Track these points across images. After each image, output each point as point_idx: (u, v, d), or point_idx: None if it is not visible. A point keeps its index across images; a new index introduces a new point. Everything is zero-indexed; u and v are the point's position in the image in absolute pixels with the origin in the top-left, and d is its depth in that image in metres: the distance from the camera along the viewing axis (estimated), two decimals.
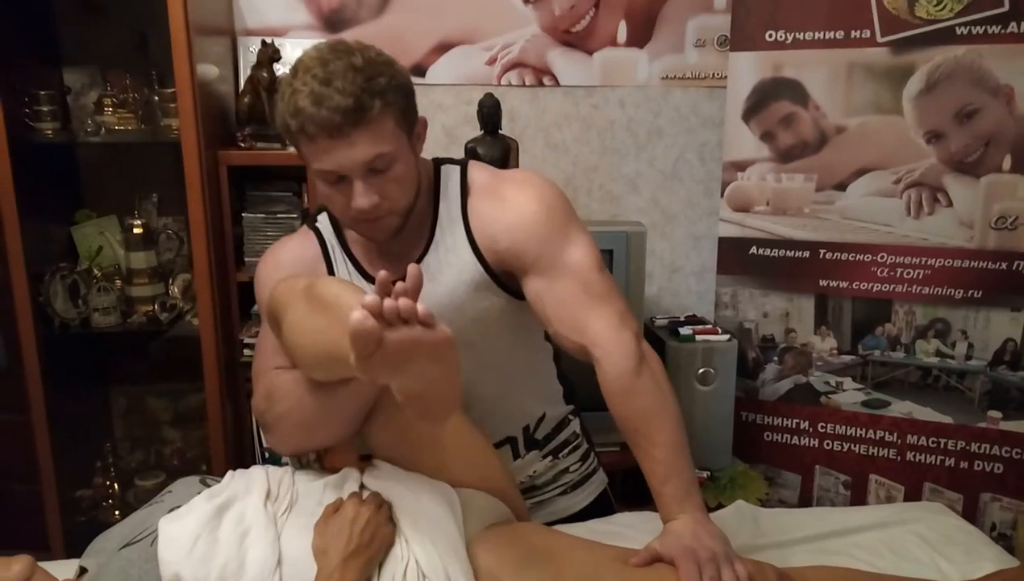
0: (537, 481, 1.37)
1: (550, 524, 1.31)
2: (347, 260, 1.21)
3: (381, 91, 1.01)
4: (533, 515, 1.34)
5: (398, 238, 1.14)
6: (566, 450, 1.38)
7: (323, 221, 1.24)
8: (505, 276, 1.18)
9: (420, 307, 0.81)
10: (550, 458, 1.36)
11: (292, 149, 1.09)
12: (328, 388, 1.03)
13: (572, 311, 1.12)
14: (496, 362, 1.26)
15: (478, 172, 1.20)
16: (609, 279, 1.16)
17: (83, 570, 1.02)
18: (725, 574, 0.99)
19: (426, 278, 1.11)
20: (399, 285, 0.82)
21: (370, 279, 1.18)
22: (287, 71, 1.05)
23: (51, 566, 0.98)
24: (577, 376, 1.38)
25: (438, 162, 1.22)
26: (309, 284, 1.01)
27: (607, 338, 1.11)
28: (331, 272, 1.20)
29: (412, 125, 1.09)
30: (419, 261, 1.17)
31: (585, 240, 1.16)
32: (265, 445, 1.12)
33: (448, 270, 1.17)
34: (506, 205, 1.15)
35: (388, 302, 0.80)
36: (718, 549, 1.01)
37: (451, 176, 1.19)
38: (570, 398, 1.41)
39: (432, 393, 0.88)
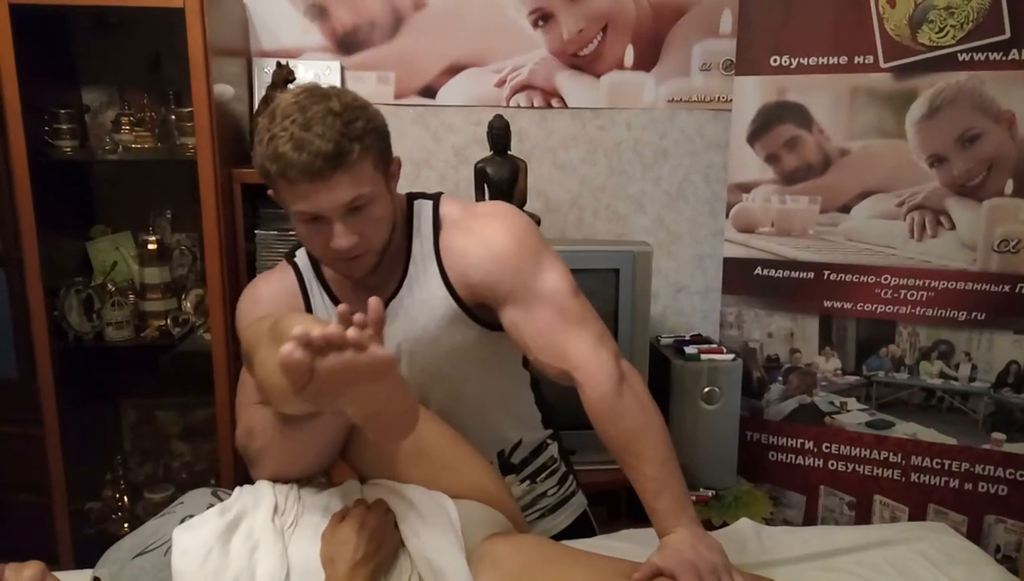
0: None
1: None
2: (324, 294, 1.23)
3: (359, 135, 1.03)
4: None
5: (374, 273, 1.17)
6: (543, 474, 1.40)
7: (301, 256, 1.26)
8: (478, 308, 1.20)
9: (351, 332, 0.82)
10: (528, 482, 1.38)
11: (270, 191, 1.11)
12: (298, 422, 1.04)
13: (550, 338, 1.14)
14: (470, 391, 1.28)
15: (449, 206, 1.22)
16: (584, 302, 1.18)
17: (96, 580, 1.04)
18: None
19: (400, 312, 1.16)
20: (358, 316, 0.83)
21: None
22: (263, 118, 1.07)
23: (64, 576, 1.01)
24: (558, 398, 1.39)
25: (411, 197, 1.24)
26: (274, 322, 1.03)
27: (587, 361, 1.12)
28: (308, 306, 1.23)
29: (388, 165, 1.12)
30: (394, 295, 1.19)
31: (558, 266, 1.18)
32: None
33: (421, 305, 1.20)
34: (477, 239, 1.17)
35: (316, 331, 0.81)
36: (717, 561, 1.03)
37: (423, 211, 1.22)
38: (548, 423, 1.42)
39: (384, 412, 0.90)
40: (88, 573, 1.13)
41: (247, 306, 1.24)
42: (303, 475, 1.13)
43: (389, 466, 1.12)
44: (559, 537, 1.39)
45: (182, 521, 1.02)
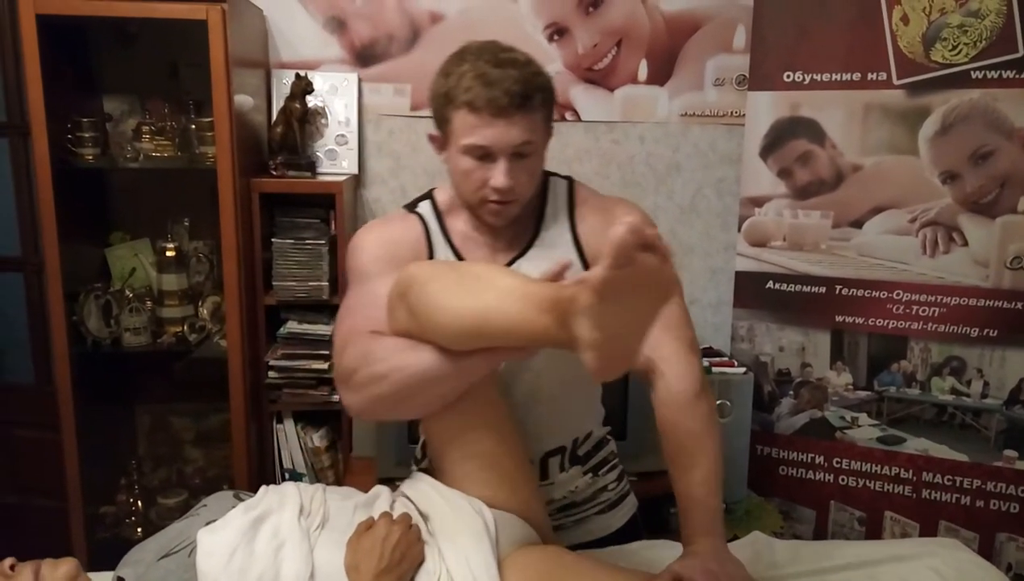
0: (577, 498, 1.40)
1: (587, 544, 1.36)
2: (448, 248, 1.26)
3: (541, 88, 1.13)
4: (572, 533, 1.39)
5: (503, 232, 1.23)
6: (605, 468, 1.43)
7: (425, 208, 1.29)
8: None
9: (664, 244, 0.85)
10: (590, 475, 1.40)
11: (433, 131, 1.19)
12: (451, 356, 1.04)
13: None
14: (569, 367, 1.30)
15: (584, 189, 1.32)
16: (687, 311, 1.25)
17: (120, 580, 1.06)
18: None
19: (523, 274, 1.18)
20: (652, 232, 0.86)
21: None
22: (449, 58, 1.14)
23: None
24: None
25: (545, 173, 1.30)
26: (452, 263, 1.14)
27: (678, 360, 1.18)
28: (431, 256, 1.25)
29: (550, 128, 1.20)
30: (520, 256, 1.25)
31: None
32: (343, 401, 1.12)
33: (544, 267, 1.22)
34: (613, 221, 1.21)
35: (648, 230, 0.84)
36: (738, 574, 1.04)
37: (558, 187, 1.30)
38: (606, 421, 1.47)
39: (622, 338, 0.90)
40: (107, 575, 1.15)
41: (374, 242, 1.24)
42: (405, 413, 1.15)
43: (452, 447, 1.14)
44: (613, 536, 1.43)
45: (207, 524, 1.04)
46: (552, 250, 1.25)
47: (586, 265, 1.24)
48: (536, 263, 1.22)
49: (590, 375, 0.89)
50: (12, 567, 1.05)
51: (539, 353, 1.07)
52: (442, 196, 1.29)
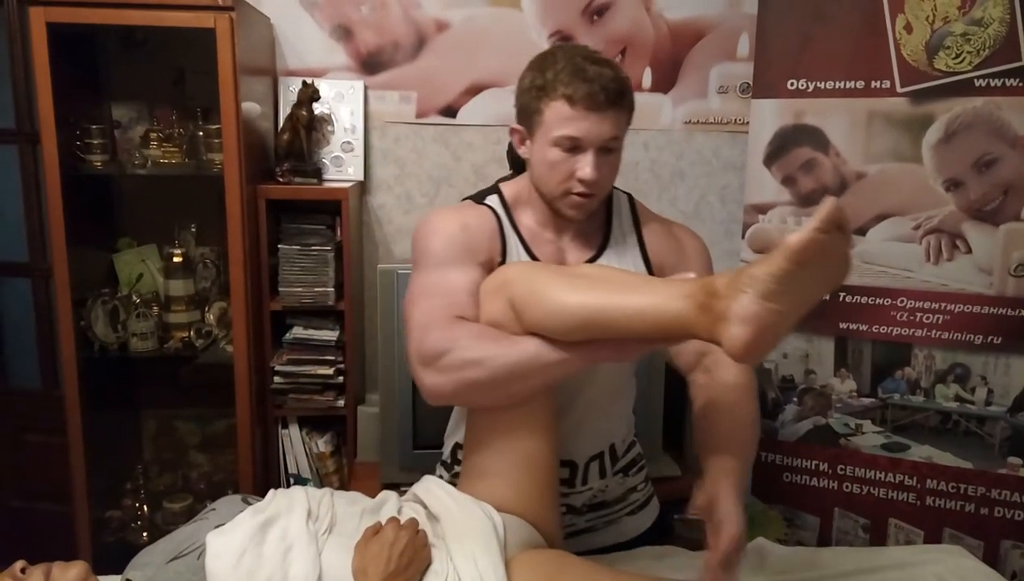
0: (608, 497, 1.42)
1: (619, 546, 1.41)
2: (518, 239, 1.28)
3: (630, 90, 1.20)
4: (604, 535, 1.42)
5: (567, 232, 1.28)
6: (634, 469, 1.46)
7: (493, 201, 1.32)
8: None
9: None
10: (621, 475, 1.43)
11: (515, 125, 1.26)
12: (554, 349, 1.08)
13: None
14: (621, 373, 1.37)
15: (645, 208, 1.39)
16: None
17: None
18: None
19: None
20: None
21: (534, 259, 1.27)
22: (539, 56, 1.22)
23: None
24: None
25: None
26: (552, 266, 1.21)
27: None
28: (504, 247, 1.27)
29: (627, 128, 1.24)
30: (592, 260, 1.29)
31: None
32: (423, 382, 1.13)
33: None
34: (682, 246, 1.34)
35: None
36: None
37: (621, 199, 1.36)
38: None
39: (785, 316, 0.92)
40: (114, 578, 1.16)
41: (451, 228, 1.25)
42: (491, 400, 1.15)
43: (497, 440, 1.17)
44: (641, 538, 1.46)
45: (216, 528, 1.05)
46: (623, 257, 1.29)
47: (651, 274, 1.29)
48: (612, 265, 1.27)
49: (730, 355, 0.93)
50: (23, 570, 1.06)
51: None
52: (509, 190, 1.32)
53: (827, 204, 0.87)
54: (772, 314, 0.90)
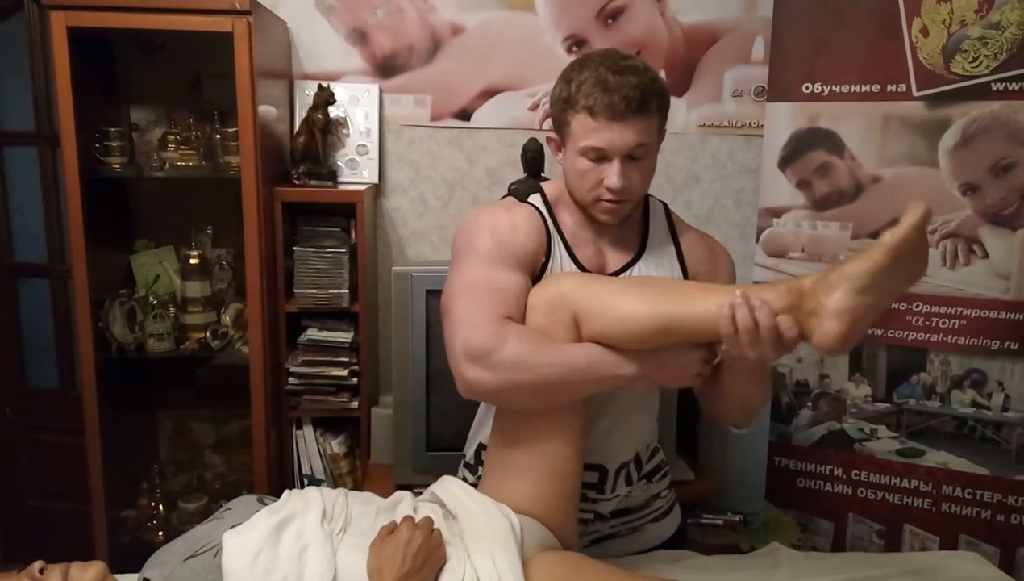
0: (632, 503, 1.43)
1: (642, 554, 1.41)
2: (560, 238, 1.30)
3: (658, 93, 1.20)
4: (628, 543, 1.43)
5: (607, 234, 1.29)
6: (658, 475, 1.46)
7: (536, 200, 1.33)
8: None
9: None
10: (645, 481, 1.43)
11: (549, 131, 1.28)
12: (609, 359, 1.14)
13: None
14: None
15: (679, 217, 1.40)
16: None
17: None
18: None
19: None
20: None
21: (578, 262, 1.29)
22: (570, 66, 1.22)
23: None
24: None
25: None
26: (609, 278, 1.25)
27: None
28: (549, 248, 1.29)
29: (662, 133, 1.26)
30: (632, 263, 1.31)
31: None
32: (466, 376, 1.16)
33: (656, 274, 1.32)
34: (716, 258, 1.38)
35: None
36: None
37: (657, 207, 1.38)
38: None
39: (873, 308, 1.02)
40: (131, 577, 1.17)
41: (498, 227, 1.26)
42: (534, 404, 1.17)
43: (524, 440, 1.19)
44: (664, 546, 1.47)
45: (231, 527, 1.05)
46: (660, 262, 1.31)
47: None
48: (649, 270, 1.30)
49: (822, 347, 1.03)
50: (41, 570, 1.07)
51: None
52: (551, 190, 1.34)
53: (918, 205, 0.98)
54: (864, 307, 1.00)
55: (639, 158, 1.20)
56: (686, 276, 1.34)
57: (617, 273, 1.30)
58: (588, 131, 1.17)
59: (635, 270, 1.31)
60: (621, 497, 1.39)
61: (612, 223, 1.27)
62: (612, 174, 1.18)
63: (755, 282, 2.32)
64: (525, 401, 1.16)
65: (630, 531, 1.43)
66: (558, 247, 1.29)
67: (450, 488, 1.15)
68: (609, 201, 1.22)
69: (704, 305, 1.08)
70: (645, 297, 1.13)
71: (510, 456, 1.19)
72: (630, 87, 1.15)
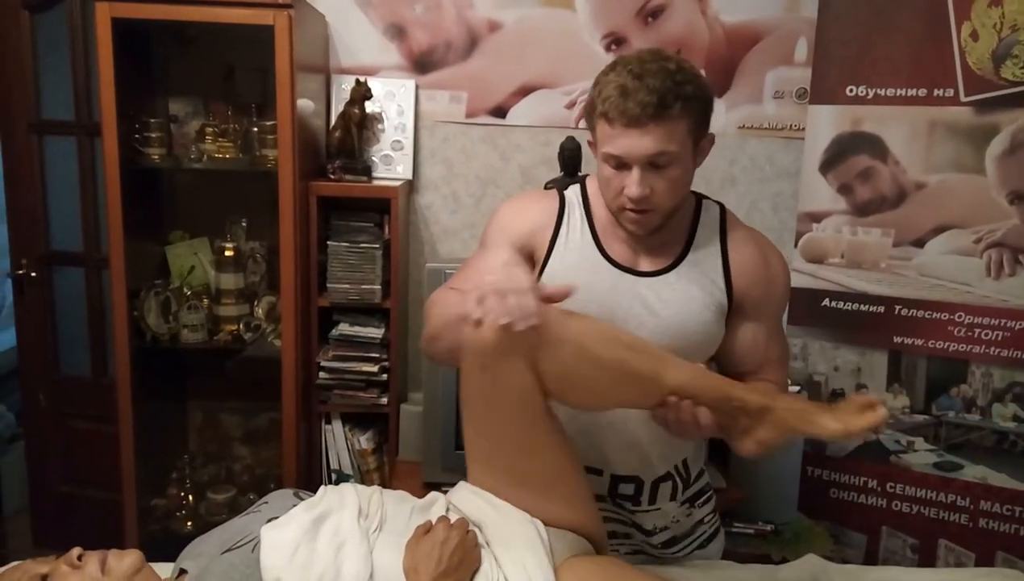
0: (679, 531, 1.39)
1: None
2: (585, 227, 1.27)
3: (685, 97, 1.11)
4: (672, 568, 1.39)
5: (652, 239, 1.23)
6: (701, 499, 1.42)
7: (572, 191, 1.31)
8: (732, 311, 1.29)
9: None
10: (687, 505, 1.39)
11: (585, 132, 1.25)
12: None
13: (763, 354, 1.30)
14: None
15: (736, 220, 1.32)
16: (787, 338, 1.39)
17: (182, 572, 1.08)
18: None
19: (666, 288, 1.23)
20: None
21: (603, 251, 1.25)
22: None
23: None
24: None
25: (699, 195, 1.31)
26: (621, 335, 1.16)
27: (777, 380, 1.30)
28: (555, 235, 1.26)
29: (701, 137, 1.18)
30: (668, 270, 1.25)
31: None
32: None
33: (692, 287, 1.24)
34: (769, 268, 1.28)
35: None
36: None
37: (711, 210, 1.30)
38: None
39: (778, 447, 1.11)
40: (164, 566, 1.16)
41: (513, 213, 1.29)
42: (436, 348, 1.20)
43: (519, 461, 1.15)
44: None
45: (268, 521, 1.05)
46: (700, 271, 1.25)
47: (730, 291, 1.25)
48: (685, 280, 1.23)
49: (736, 450, 1.12)
50: (80, 557, 1.08)
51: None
52: (592, 184, 1.30)
53: (882, 408, 1.05)
54: (783, 442, 1.09)
55: (663, 166, 1.12)
56: (728, 281, 1.25)
57: (650, 275, 1.24)
58: (607, 138, 1.13)
59: (670, 277, 1.25)
60: (664, 514, 1.35)
61: (639, 233, 1.21)
62: (632, 183, 1.12)
63: (791, 288, 2.28)
64: (439, 353, 1.21)
65: (675, 560, 1.40)
66: (579, 233, 1.26)
67: (467, 496, 1.12)
68: (633, 210, 1.16)
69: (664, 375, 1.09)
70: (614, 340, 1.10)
71: (496, 473, 1.16)
72: (648, 91, 1.08)
